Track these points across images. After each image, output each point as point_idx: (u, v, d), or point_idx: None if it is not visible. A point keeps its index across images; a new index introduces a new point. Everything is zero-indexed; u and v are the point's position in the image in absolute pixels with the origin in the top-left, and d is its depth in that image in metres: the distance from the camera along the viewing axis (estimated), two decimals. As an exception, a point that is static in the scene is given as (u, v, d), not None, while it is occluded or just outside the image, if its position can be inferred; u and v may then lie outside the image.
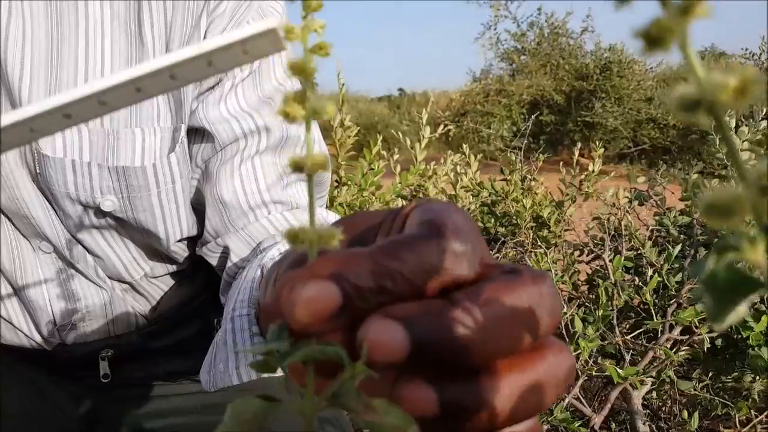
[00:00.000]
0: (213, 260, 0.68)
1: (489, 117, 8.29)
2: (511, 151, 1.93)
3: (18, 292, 0.66)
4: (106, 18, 0.61)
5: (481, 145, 8.05)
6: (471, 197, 2.02)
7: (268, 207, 0.65)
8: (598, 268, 1.68)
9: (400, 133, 2.36)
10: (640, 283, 1.40)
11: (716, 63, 9.83)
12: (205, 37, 0.63)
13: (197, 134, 0.66)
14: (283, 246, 0.57)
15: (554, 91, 8.20)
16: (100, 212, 0.63)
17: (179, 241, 0.69)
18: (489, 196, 1.92)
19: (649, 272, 1.46)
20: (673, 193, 2.01)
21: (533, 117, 2.16)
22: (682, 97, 0.15)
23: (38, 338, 0.70)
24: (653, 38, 0.14)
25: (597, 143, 1.99)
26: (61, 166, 0.60)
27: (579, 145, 2.10)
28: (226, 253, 0.66)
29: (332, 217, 0.67)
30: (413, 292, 0.24)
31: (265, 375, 0.48)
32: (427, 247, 0.25)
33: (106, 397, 0.77)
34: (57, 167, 0.60)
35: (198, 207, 0.69)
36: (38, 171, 0.60)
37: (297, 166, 0.23)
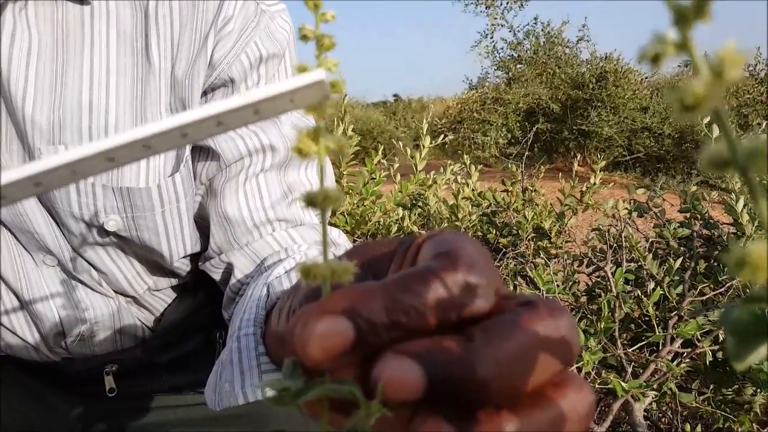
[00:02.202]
0: (216, 275, 0.68)
1: (485, 125, 8.32)
2: (512, 162, 1.93)
3: (24, 305, 0.66)
4: (112, 37, 0.61)
5: (476, 151, 8.07)
6: (471, 206, 2.03)
7: (273, 224, 0.66)
8: (598, 279, 1.69)
9: (400, 143, 2.36)
10: (642, 296, 1.40)
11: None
12: (212, 57, 0.63)
13: (202, 152, 0.66)
14: (288, 264, 0.57)
15: (550, 99, 8.23)
16: (103, 231, 0.63)
17: (182, 257, 0.70)
18: (489, 206, 1.93)
19: (651, 285, 1.47)
20: (672, 204, 2.03)
21: (534, 129, 2.16)
22: (713, 156, 0.15)
23: (45, 351, 0.69)
24: (689, 106, 0.15)
25: (598, 156, 2.00)
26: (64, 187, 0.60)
27: (578, 157, 2.11)
28: (229, 269, 0.66)
29: (335, 232, 0.68)
30: (428, 327, 0.24)
31: (272, 395, 0.48)
32: (442, 280, 0.24)
33: (111, 409, 0.77)
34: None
35: (201, 222, 0.69)
36: None
37: (310, 202, 0.23)
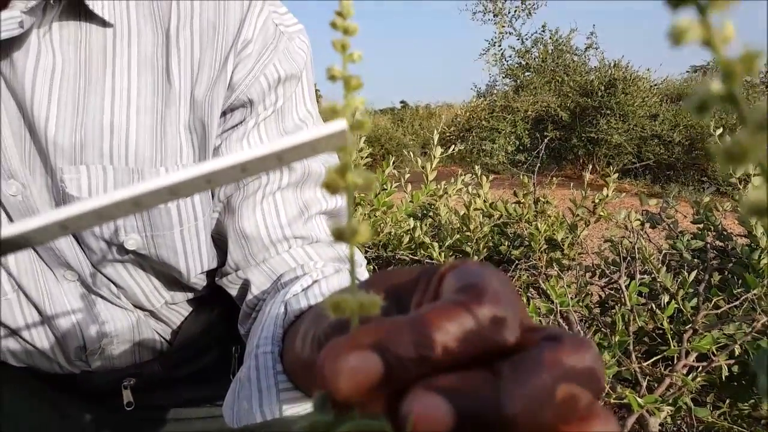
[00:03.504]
0: (233, 291, 0.69)
1: (494, 132, 8.32)
2: (523, 174, 1.93)
3: (45, 319, 0.67)
4: (133, 59, 0.62)
5: (484, 158, 8.07)
6: (481, 216, 2.03)
7: (289, 241, 0.66)
8: (611, 292, 1.68)
9: (411, 153, 2.37)
10: (656, 309, 1.40)
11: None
12: (231, 78, 0.64)
13: None
14: (305, 281, 0.57)
15: (559, 107, 8.22)
16: (123, 249, 0.64)
17: (199, 273, 0.70)
18: (500, 218, 1.92)
19: (665, 298, 1.46)
20: (685, 216, 2.02)
21: (545, 140, 2.15)
22: (752, 204, 0.15)
23: (65, 364, 0.70)
24: (733, 156, 0.15)
25: (608, 164, 1.99)
26: None
27: (589, 166, 2.10)
28: (246, 285, 0.67)
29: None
30: (455, 361, 0.24)
31: (289, 413, 0.49)
32: (469, 315, 0.25)
33: (128, 420, 0.78)
34: None
35: (218, 238, 0.70)
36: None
37: (339, 236, 0.23)
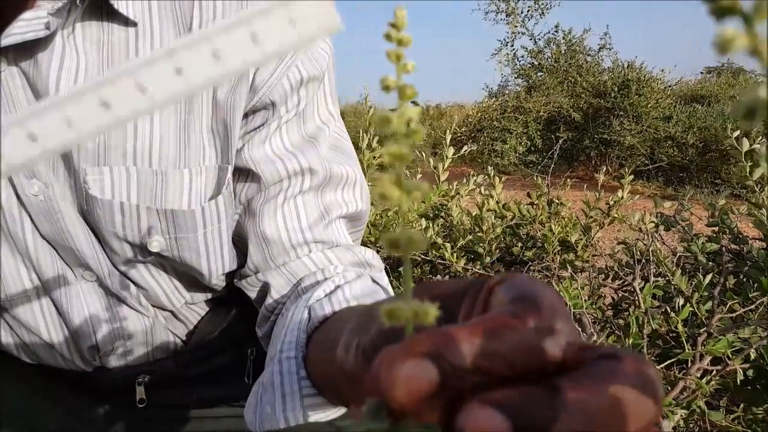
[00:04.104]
0: (252, 293, 0.69)
1: (505, 133, 8.28)
2: (537, 174, 1.92)
3: (62, 317, 0.67)
4: None
5: (495, 159, 8.04)
6: (493, 217, 2.02)
7: (309, 246, 0.66)
8: (625, 294, 1.67)
9: (423, 154, 2.37)
10: (671, 312, 1.39)
11: (734, 80, 9.76)
12: (254, 80, 0.63)
13: (242, 173, 0.67)
14: (327, 286, 0.58)
15: (572, 108, 8.17)
16: (146, 251, 0.64)
17: (220, 275, 0.71)
18: (513, 219, 1.92)
19: (680, 301, 1.45)
20: (700, 219, 2.00)
21: (560, 141, 2.14)
22: (749, 103, 0.15)
23: (78, 361, 0.71)
24: None
25: (621, 166, 1.97)
26: (109, 208, 0.61)
27: (603, 168, 2.09)
28: (265, 288, 0.67)
29: (369, 254, 0.69)
30: (511, 373, 0.24)
31: (313, 419, 0.49)
32: (526, 325, 0.24)
33: (140, 418, 0.78)
34: (105, 208, 0.61)
35: (238, 240, 0.70)
36: (86, 208, 0.61)
37: (392, 245, 0.23)
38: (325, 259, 0.66)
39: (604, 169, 2.10)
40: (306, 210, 0.66)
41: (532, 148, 8.32)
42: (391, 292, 0.65)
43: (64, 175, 0.61)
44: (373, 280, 0.64)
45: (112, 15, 0.60)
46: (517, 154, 8.10)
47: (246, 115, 0.65)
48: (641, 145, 7.54)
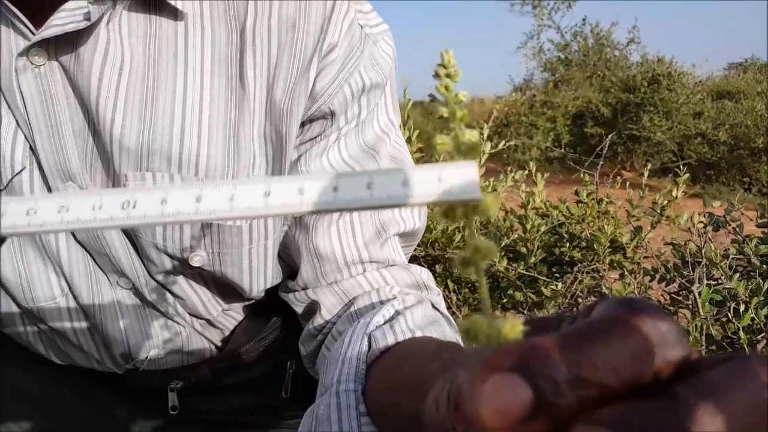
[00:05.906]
0: (298, 309, 0.66)
1: (533, 128, 8.19)
2: (584, 171, 1.88)
3: (94, 323, 0.64)
4: (206, 58, 0.57)
5: (521, 155, 7.95)
6: (536, 216, 1.98)
7: (364, 265, 0.63)
8: (675, 297, 1.62)
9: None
10: (730, 316, 1.34)
11: (761, 74, 9.54)
12: (313, 87, 0.59)
13: None
14: (387, 312, 0.54)
15: (601, 103, 8.06)
16: (187, 264, 0.61)
17: (261, 290, 0.68)
18: (557, 217, 1.87)
19: (734, 305, 1.40)
20: (751, 220, 1.94)
21: (609, 138, 2.08)
22: None
23: (109, 363, 0.69)
24: None
25: (649, 164, 1.92)
26: None
27: (648, 165, 2.04)
28: (314, 305, 0.64)
29: (426, 274, 0.65)
30: (619, 384, 0.20)
31: None
32: (631, 328, 0.21)
33: (170, 424, 0.76)
34: None
35: (282, 251, 0.67)
36: None
37: (464, 263, 0.23)
38: (381, 279, 0.63)
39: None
40: (362, 226, 0.63)
41: (558, 144, 8.22)
42: (451, 320, 0.61)
43: (102, 177, 0.57)
44: (433, 306, 0.60)
45: (161, 7, 0.55)
46: (543, 151, 8.00)
47: (303, 124, 0.61)
48: (670, 142, 7.42)
